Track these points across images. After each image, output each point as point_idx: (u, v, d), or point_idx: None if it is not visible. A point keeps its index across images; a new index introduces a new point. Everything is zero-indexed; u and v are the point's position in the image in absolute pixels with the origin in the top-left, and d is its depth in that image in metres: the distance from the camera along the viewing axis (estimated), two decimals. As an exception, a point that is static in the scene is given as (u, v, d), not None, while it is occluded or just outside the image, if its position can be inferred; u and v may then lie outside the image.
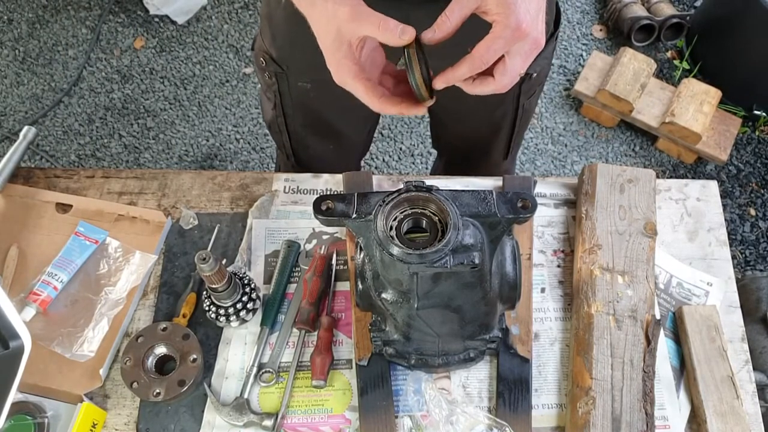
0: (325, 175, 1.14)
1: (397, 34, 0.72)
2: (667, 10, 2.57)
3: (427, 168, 2.36)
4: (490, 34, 0.71)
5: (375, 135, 2.38)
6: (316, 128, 1.29)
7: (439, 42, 0.74)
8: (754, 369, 1.02)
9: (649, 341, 0.96)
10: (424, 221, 0.83)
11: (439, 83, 0.75)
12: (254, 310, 0.99)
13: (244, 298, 0.97)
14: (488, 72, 0.74)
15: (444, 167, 1.63)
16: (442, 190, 0.83)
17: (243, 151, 2.35)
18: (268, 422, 0.92)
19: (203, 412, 0.94)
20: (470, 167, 1.46)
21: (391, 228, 0.82)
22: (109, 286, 1.02)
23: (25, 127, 1.14)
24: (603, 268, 1.00)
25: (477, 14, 0.72)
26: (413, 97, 0.77)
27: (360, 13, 0.72)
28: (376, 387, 0.95)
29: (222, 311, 0.96)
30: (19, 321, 0.62)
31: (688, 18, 2.54)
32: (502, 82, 0.73)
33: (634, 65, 2.32)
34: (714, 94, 2.28)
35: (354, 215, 0.88)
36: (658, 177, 1.11)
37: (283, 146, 1.37)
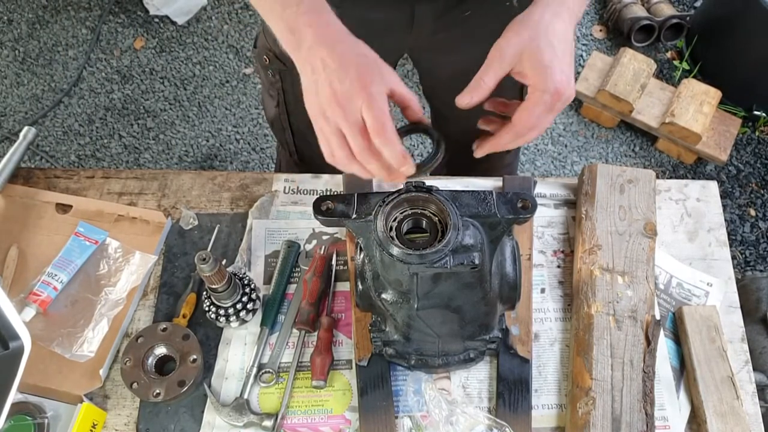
0: (325, 176, 1.14)
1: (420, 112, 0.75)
2: (667, 10, 2.57)
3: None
4: (529, 101, 0.70)
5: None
6: None
7: (476, 105, 0.75)
8: (754, 369, 1.02)
9: (649, 341, 0.96)
10: (424, 222, 0.83)
11: (480, 152, 0.76)
12: (254, 311, 0.99)
13: (244, 299, 0.97)
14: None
15: (446, 166, 1.63)
16: (441, 190, 0.83)
17: (243, 152, 2.35)
18: (268, 423, 0.92)
19: (203, 412, 0.94)
20: (472, 163, 1.46)
21: (391, 228, 0.82)
22: (109, 286, 1.02)
23: (25, 128, 1.14)
24: (603, 269, 1.00)
25: (512, 74, 0.72)
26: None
27: (394, 76, 0.73)
28: (376, 387, 0.95)
29: (222, 311, 0.96)
30: (18, 321, 0.62)
31: (688, 18, 2.54)
32: (530, 137, 0.74)
33: (634, 65, 2.32)
34: (714, 94, 2.28)
35: (354, 216, 0.89)
36: (658, 177, 1.11)
37: (285, 143, 1.37)
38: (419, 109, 0.75)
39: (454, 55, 1.12)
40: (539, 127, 0.74)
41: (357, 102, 0.69)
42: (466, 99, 0.74)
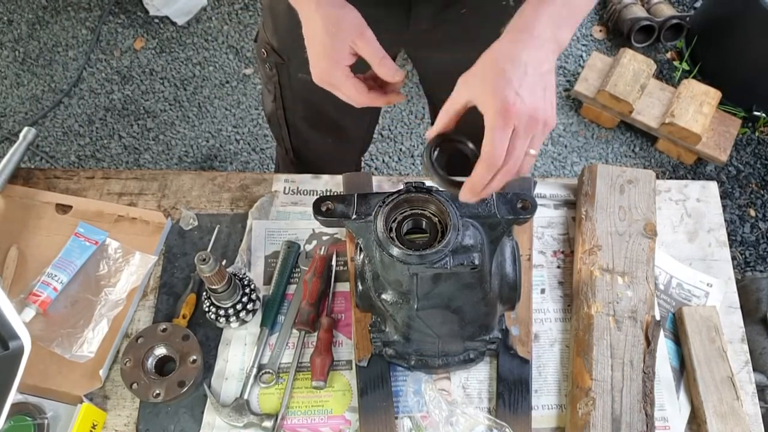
0: (325, 176, 1.14)
1: (392, 75, 0.79)
2: (666, 10, 2.57)
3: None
4: (485, 128, 0.68)
5: (375, 136, 2.38)
6: (316, 121, 1.29)
7: (441, 132, 0.76)
8: (754, 370, 1.02)
9: (649, 342, 0.96)
10: (424, 222, 0.83)
11: (465, 197, 0.73)
12: (254, 311, 0.99)
13: (244, 299, 0.97)
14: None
15: (445, 166, 1.64)
16: (441, 190, 0.83)
17: (243, 152, 2.35)
18: (268, 423, 0.92)
19: (203, 413, 0.94)
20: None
21: (391, 229, 0.82)
22: (109, 286, 1.02)
23: (25, 128, 1.14)
24: (603, 269, 1.00)
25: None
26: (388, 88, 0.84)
27: (367, 31, 0.79)
28: (375, 388, 0.95)
29: (222, 312, 0.96)
30: (18, 322, 0.62)
31: (687, 19, 2.54)
32: (507, 166, 0.69)
33: (634, 66, 2.32)
34: (714, 94, 2.28)
35: (354, 216, 0.88)
36: (657, 178, 1.11)
37: (282, 140, 1.37)
38: (386, 68, 0.79)
39: (451, 53, 1.12)
40: (513, 156, 0.69)
41: (332, 76, 0.80)
42: (430, 131, 0.77)
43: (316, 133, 1.32)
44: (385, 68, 0.79)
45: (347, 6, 0.80)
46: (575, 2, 0.72)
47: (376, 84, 0.84)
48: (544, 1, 0.71)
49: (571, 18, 0.72)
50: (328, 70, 0.80)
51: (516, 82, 0.67)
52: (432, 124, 1.51)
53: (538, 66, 0.69)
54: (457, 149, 0.76)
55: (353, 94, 0.80)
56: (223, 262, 1.04)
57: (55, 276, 1.01)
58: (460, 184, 0.73)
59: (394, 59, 1.25)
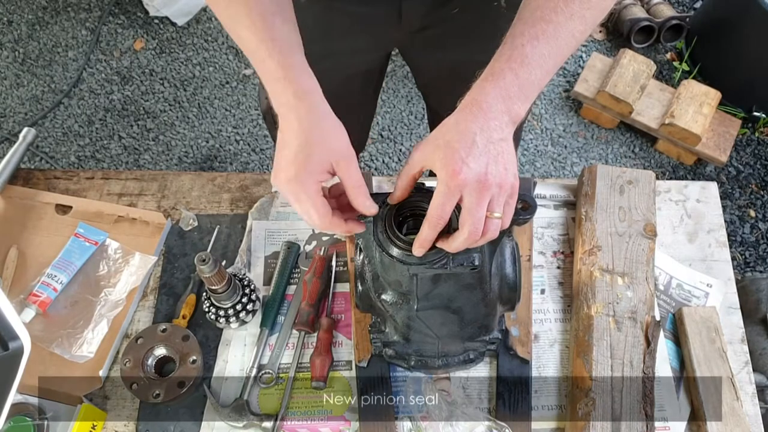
0: (325, 177, 1.14)
1: (367, 208, 0.76)
2: (666, 11, 2.57)
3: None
4: (434, 193, 0.71)
5: (375, 136, 2.38)
6: None
7: (400, 200, 0.78)
8: (753, 370, 1.02)
9: (649, 342, 0.96)
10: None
11: (417, 251, 0.75)
12: (254, 312, 0.99)
13: (244, 300, 0.97)
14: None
15: None
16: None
17: (243, 153, 2.35)
18: (268, 423, 0.92)
19: (203, 413, 0.94)
20: None
21: (390, 229, 0.82)
22: (109, 287, 1.02)
23: (25, 129, 1.15)
24: (603, 270, 1.00)
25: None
26: (354, 216, 0.80)
27: (352, 158, 0.75)
28: (375, 388, 0.95)
29: (222, 312, 0.96)
30: (18, 322, 0.62)
31: (687, 19, 2.54)
32: (467, 230, 0.71)
33: (634, 67, 2.32)
34: (714, 95, 2.28)
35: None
36: (657, 178, 1.11)
37: (275, 139, 1.37)
38: (355, 194, 0.76)
39: (443, 52, 1.12)
40: (473, 219, 0.70)
41: (298, 191, 0.75)
42: (391, 198, 0.78)
43: None
44: (363, 198, 0.76)
45: (336, 120, 0.77)
46: (526, 79, 0.73)
47: (337, 204, 0.80)
48: (494, 77, 0.73)
49: (522, 93, 0.74)
50: (298, 179, 0.74)
51: (463, 152, 0.69)
52: (430, 122, 1.52)
53: (488, 135, 0.71)
54: (417, 208, 0.80)
55: (316, 214, 0.74)
56: (223, 263, 1.04)
57: (55, 276, 1.01)
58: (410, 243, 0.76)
59: (386, 57, 1.26)
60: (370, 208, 0.77)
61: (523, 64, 0.73)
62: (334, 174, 0.76)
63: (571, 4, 0.74)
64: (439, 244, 0.75)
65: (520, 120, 0.75)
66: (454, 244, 0.73)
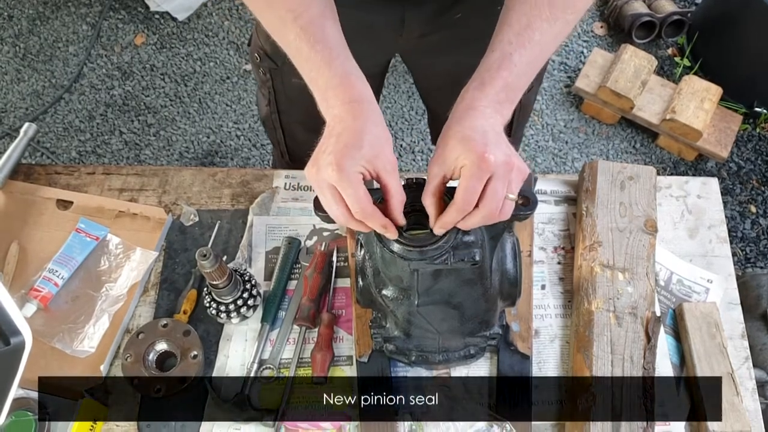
0: (326, 172, 1.14)
1: (400, 222, 0.77)
2: (668, 6, 2.56)
3: (427, 165, 2.36)
4: (461, 178, 0.73)
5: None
6: (311, 125, 1.28)
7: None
8: (754, 366, 1.02)
9: (650, 338, 0.96)
10: (425, 218, 0.83)
11: (438, 231, 0.77)
12: (255, 307, 1.00)
13: (245, 295, 0.97)
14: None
15: None
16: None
17: (244, 148, 2.35)
18: (269, 418, 0.92)
19: (204, 408, 0.94)
20: None
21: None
22: (110, 282, 1.03)
23: (26, 124, 1.14)
24: (603, 265, 1.00)
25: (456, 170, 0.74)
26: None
27: (396, 170, 0.76)
28: (376, 383, 0.95)
29: (223, 308, 0.96)
30: (20, 317, 0.62)
31: (689, 15, 2.54)
32: (488, 209, 0.73)
33: (635, 62, 2.32)
34: (715, 91, 2.27)
35: (355, 212, 0.88)
36: (658, 174, 1.11)
37: (277, 143, 1.37)
38: (395, 205, 0.76)
39: (444, 57, 1.12)
40: (494, 198, 0.72)
41: (343, 177, 0.73)
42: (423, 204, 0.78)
43: (312, 136, 1.31)
44: (399, 211, 0.77)
45: (387, 131, 0.77)
46: (514, 85, 0.77)
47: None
48: (485, 86, 0.76)
49: (509, 98, 0.78)
50: (343, 165, 0.72)
51: (482, 141, 0.72)
52: (430, 120, 1.51)
53: (492, 128, 0.74)
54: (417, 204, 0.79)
55: (358, 202, 0.73)
56: (224, 258, 1.04)
57: (56, 271, 1.01)
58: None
59: (387, 63, 1.25)
60: (401, 222, 0.78)
61: (512, 72, 0.77)
62: (371, 178, 0.75)
63: (555, 10, 0.76)
64: (461, 225, 0.76)
65: (507, 121, 0.78)
66: (470, 221, 0.75)
